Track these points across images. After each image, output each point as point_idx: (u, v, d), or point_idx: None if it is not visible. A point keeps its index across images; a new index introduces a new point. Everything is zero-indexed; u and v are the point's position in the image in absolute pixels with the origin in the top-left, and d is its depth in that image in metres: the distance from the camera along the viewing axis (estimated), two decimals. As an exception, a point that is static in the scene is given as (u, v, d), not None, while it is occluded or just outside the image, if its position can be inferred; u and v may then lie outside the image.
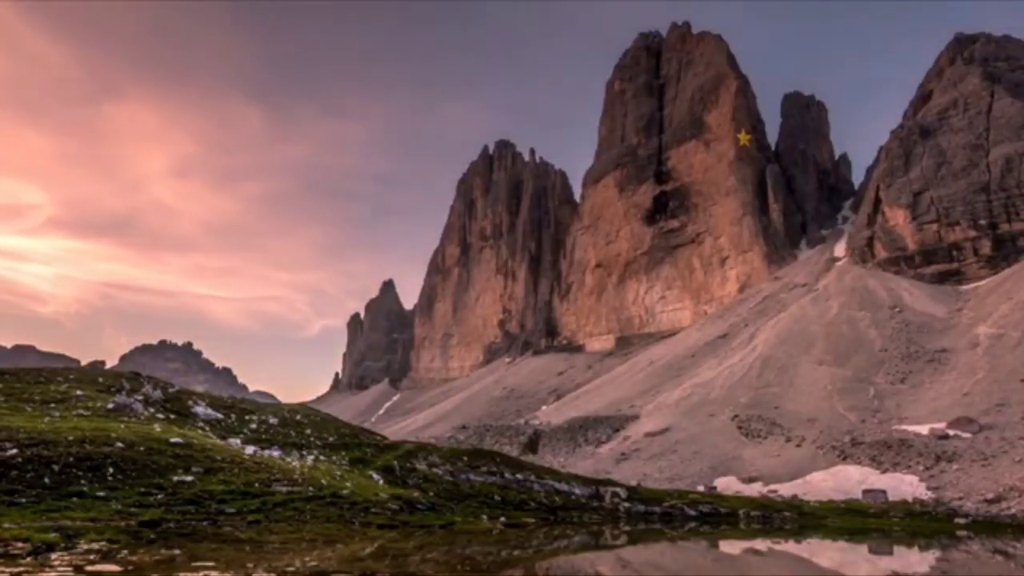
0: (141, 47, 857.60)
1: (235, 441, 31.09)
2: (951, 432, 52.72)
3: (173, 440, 25.41)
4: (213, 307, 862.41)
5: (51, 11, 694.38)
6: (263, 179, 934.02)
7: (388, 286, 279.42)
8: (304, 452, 32.34)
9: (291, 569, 14.57)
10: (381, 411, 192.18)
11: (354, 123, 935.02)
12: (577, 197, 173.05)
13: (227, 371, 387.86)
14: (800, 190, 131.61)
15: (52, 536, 14.98)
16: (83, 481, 20.12)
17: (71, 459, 20.96)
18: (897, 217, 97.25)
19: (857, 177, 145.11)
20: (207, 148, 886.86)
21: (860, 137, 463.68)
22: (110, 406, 31.36)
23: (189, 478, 22.24)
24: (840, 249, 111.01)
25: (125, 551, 14.97)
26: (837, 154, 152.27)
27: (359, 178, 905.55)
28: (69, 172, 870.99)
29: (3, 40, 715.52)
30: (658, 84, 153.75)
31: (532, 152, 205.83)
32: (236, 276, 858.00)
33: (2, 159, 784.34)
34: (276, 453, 30.27)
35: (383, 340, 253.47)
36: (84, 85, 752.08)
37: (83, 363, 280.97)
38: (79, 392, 33.48)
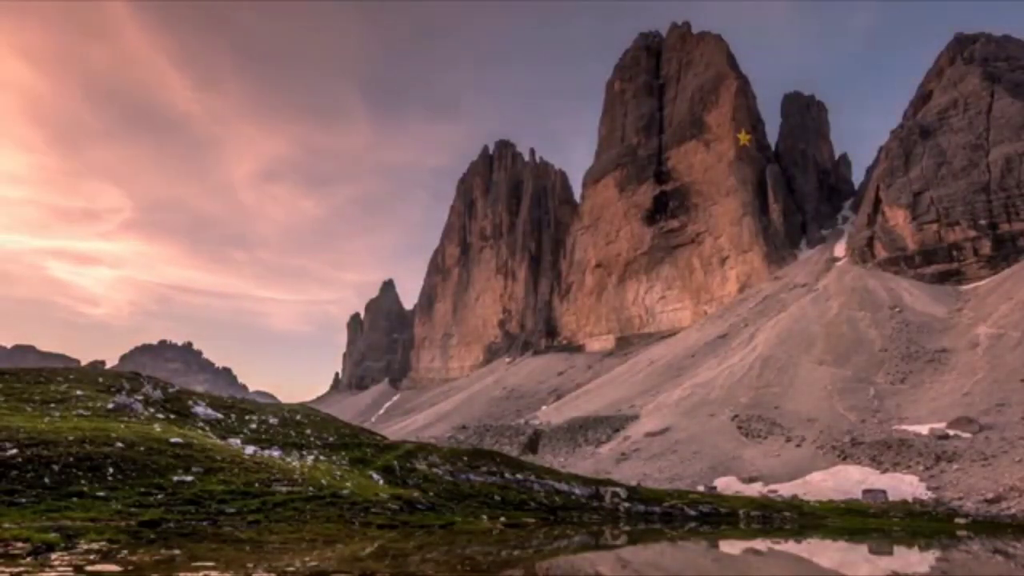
0: (245, 47, 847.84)
1: (235, 441, 31.08)
2: (951, 432, 52.73)
3: (173, 440, 25.40)
4: (271, 309, 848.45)
5: (159, 9, 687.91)
6: (357, 182, 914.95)
7: (388, 286, 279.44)
8: (304, 452, 32.32)
9: (291, 569, 14.56)
10: (381, 411, 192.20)
11: (456, 124, 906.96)
12: (577, 197, 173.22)
13: (227, 371, 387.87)
14: (800, 190, 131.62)
15: (52, 536, 14.97)
16: (83, 481, 20.10)
17: (71, 459, 20.95)
18: (897, 217, 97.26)
19: (857, 177, 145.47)
20: (304, 151, 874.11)
21: (860, 137, 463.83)
22: (110, 406, 31.35)
23: (189, 478, 22.22)
24: (840, 249, 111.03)
25: (125, 551, 14.96)
26: (837, 154, 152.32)
27: (454, 177, 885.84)
28: (155, 175, 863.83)
29: (108, 35, 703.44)
30: (658, 84, 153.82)
31: (532, 152, 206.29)
32: (301, 279, 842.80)
33: (90, 162, 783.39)
34: (276, 453, 30.26)
35: (383, 340, 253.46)
36: (182, 89, 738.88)
37: (83, 363, 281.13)
38: (79, 392, 33.47)
